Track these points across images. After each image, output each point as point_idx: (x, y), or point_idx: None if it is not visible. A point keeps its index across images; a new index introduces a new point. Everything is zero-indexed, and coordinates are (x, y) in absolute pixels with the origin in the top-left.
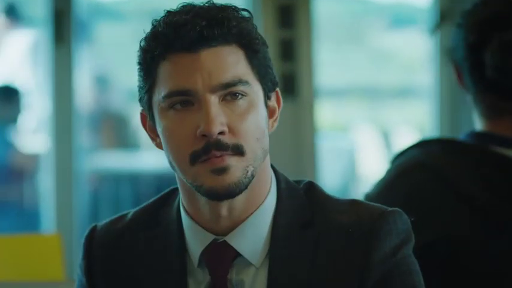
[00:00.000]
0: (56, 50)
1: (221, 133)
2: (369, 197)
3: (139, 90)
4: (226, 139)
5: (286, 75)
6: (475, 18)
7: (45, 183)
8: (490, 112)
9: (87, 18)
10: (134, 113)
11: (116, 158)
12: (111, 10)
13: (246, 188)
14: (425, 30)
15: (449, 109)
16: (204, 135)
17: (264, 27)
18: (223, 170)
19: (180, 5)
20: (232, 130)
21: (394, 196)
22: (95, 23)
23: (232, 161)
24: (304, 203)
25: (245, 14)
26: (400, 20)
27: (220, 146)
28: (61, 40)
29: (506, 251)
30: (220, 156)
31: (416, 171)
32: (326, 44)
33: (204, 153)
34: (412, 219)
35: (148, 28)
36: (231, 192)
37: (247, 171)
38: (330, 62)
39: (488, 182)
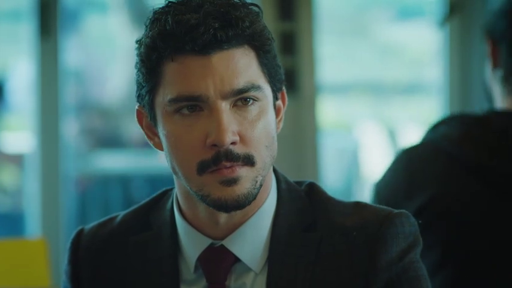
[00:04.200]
0: (42, 42)
1: (232, 143)
2: (377, 185)
3: (138, 87)
4: (237, 149)
5: (286, 69)
6: None
7: (30, 185)
8: None
9: (74, 9)
10: (125, 109)
11: (106, 157)
12: (99, 1)
13: (255, 198)
14: (434, 23)
15: (458, 105)
16: (214, 145)
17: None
18: (233, 181)
19: None
20: (243, 139)
21: (396, 170)
22: (82, 14)
23: (242, 172)
24: (305, 205)
25: (255, 9)
26: (407, 11)
27: (231, 157)
28: (47, 32)
29: None
30: (231, 167)
31: (419, 146)
32: (328, 37)
33: (214, 163)
34: (420, 221)
35: (141, 19)
36: (240, 204)
37: (257, 182)
38: (333, 56)
39: (503, 151)
